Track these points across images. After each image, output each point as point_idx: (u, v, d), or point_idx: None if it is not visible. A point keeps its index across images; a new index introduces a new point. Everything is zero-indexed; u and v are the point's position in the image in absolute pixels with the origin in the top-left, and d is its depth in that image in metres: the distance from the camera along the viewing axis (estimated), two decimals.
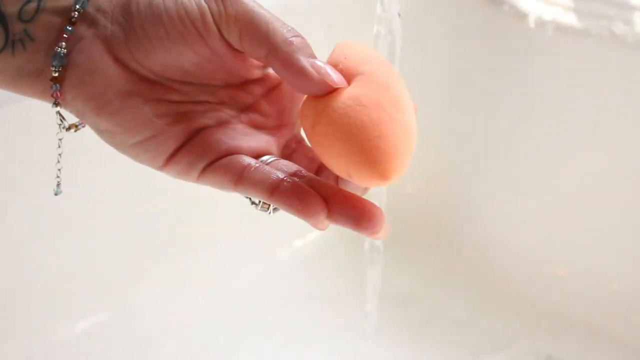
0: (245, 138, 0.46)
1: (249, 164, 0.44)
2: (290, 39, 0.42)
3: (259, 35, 0.43)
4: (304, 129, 0.44)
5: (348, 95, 0.42)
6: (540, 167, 0.94)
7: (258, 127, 0.47)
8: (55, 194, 0.49)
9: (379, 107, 0.41)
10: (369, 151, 0.40)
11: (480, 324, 0.93)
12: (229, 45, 0.44)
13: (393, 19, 0.73)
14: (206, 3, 0.43)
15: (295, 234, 1.00)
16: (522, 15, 0.88)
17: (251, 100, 0.47)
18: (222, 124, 0.46)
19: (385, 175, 0.40)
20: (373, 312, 0.88)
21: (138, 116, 0.44)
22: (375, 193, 0.84)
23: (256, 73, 0.47)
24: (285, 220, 1.02)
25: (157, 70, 0.44)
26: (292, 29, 0.43)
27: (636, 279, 0.90)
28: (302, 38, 0.43)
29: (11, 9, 0.43)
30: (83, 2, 0.44)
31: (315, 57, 0.42)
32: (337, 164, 0.42)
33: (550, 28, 0.87)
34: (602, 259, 0.92)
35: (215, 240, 0.94)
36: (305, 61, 0.42)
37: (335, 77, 0.42)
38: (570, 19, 0.86)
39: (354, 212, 0.42)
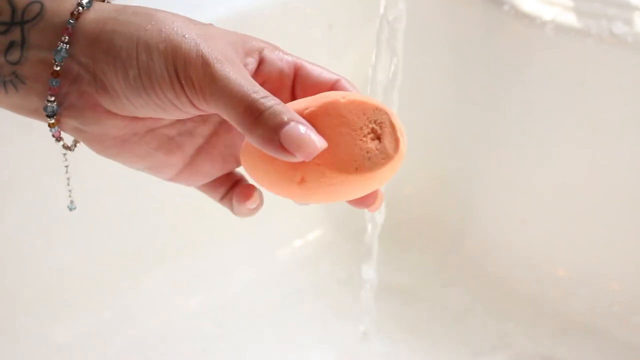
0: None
1: (240, 179, 0.48)
2: (261, 117, 0.40)
3: (232, 118, 0.41)
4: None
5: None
6: (540, 167, 0.94)
7: None
8: (70, 210, 0.50)
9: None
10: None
11: (480, 323, 0.93)
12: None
13: (395, 19, 0.73)
14: (179, 81, 0.41)
15: (295, 234, 1.00)
16: (522, 15, 0.88)
17: None
18: (218, 132, 0.47)
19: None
20: (372, 311, 0.88)
21: (136, 152, 0.45)
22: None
23: None
24: (285, 220, 1.02)
25: (143, 117, 0.45)
26: (263, 97, 0.40)
27: (636, 279, 0.90)
28: (274, 105, 0.40)
29: None
30: (62, 55, 0.42)
31: (286, 123, 0.40)
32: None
33: (550, 28, 0.87)
34: (602, 259, 0.92)
35: (215, 240, 0.94)
36: (276, 142, 0.40)
37: (312, 146, 0.40)
38: (570, 19, 0.86)
39: None
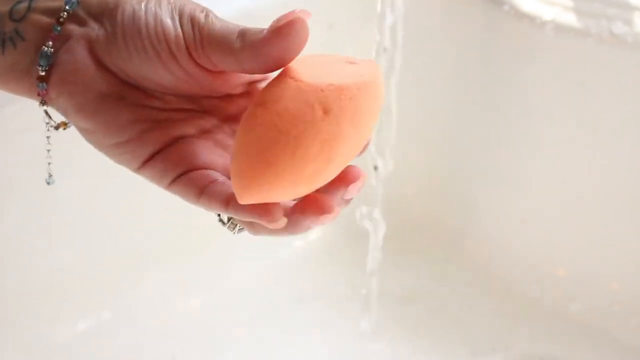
0: (223, 154, 0.46)
1: (216, 180, 0.44)
2: (239, 32, 0.42)
3: (221, 54, 0.42)
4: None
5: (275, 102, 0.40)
6: (540, 167, 0.94)
7: None
8: (48, 184, 0.50)
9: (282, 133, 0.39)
10: (247, 167, 0.39)
11: (480, 323, 0.93)
12: (203, 68, 0.44)
13: (395, 20, 0.73)
14: (181, 26, 0.43)
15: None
16: (522, 15, 0.88)
17: (236, 110, 0.47)
18: (204, 132, 0.46)
19: (239, 196, 0.40)
20: (373, 311, 0.88)
21: (117, 119, 0.44)
22: (374, 193, 0.84)
23: (239, 89, 0.46)
24: None
25: (136, 78, 0.44)
26: (243, 27, 0.43)
27: (636, 279, 0.90)
28: (248, 28, 0.42)
29: (2, 7, 0.44)
30: (73, 3, 0.44)
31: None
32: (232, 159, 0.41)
33: (550, 28, 0.87)
34: (602, 259, 0.92)
35: (215, 240, 0.94)
36: (261, 34, 0.41)
37: (289, 13, 0.41)
38: (570, 19, 0.86)
39: (299, 207, 0.42)
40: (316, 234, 1.01)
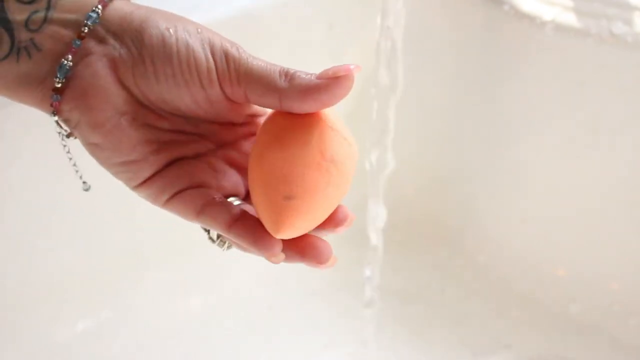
0: (217, 175, 0.47)
1: (214, 198, 0.45)
2: (282, 72, 0.44)
3: (263, 90, 0.44)
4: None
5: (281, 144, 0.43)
6: (540, 167, 0.94)
7: (232, 164, 0.48)
8: (86, 190, 0.51)
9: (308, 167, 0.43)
10: (274, 205, 0.43)
11: (480, 323, 0.93)
12: (227, 98, 0.45)
13: (395, 20, 0.73)
14: (213, 59, 0.44)
15: None
16: (522, 15, 0.88)
17: (232, 138, 0.48)
18: (199, 155, 0.47)
19: (275, 232, 0.43)
20: (373, 311, 0.88)
21: (129, 139, 0.45)
22: (374, 193, 0.84)
23: (242, 118, 0.48)
24: None
25: (154, 100, 0.45)
26: (284, 68, 0.44)
27: (636, 279, 0.90)
28: (295, 70, 0.44)
29: (18, 16, 0.44)
30: (94, 19, 0.44)
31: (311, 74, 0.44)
32: (253, 195, 0.44)
33: (550, 28, 0.87)
34: (602, 259, 0.92)
35: None
36: (313, 80, 0.43)
37: (346, 67, 0.43)
38: (570, 19, 0.86)
39: (300, 246, 0.45)
40: None
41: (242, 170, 0.48)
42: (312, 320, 0.94)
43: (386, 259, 0.86)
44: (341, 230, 0.46)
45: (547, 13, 0.87)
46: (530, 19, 0.88)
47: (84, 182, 0.50)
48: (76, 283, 0.84)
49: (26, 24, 0.44)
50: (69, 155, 0.49)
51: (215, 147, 0.48)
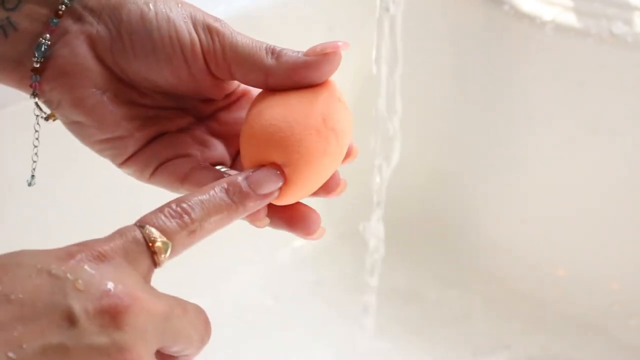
0: (200, 147, 0.46)
1: (197, 165, 0.45)
2: (269, 49, 0.43)
3: (249, 66, 0.43)
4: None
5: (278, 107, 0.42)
6: (540, 167, 0.94)
7: (215, 134, 0.47)
8: (29, 185, 0.50)
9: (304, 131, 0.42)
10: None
11: (480, 323, 0.93)
12: (211, 74, 0.44)
13: (394, 19, 0.73)
14: (197, 34, 0.43)
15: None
16: (522, 15, 0.88)
17: (210, 112, 0.48)
18: (181, 129, 0.47)
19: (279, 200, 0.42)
20: (373, 311, 0.88)
21: (112, 115, 0.44)
22: (373, 193, 0.84)
23: (222, 94, 0.47)
24: None
25: (135, 78, 0.44)
26: (270, 45, 0.44)
27: (636, 279, 0.90)
28: (281, 48, 0.44)
29: None
30: None
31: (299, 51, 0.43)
32: (244, 156, 0.43)
33: (550, 28, 0.87)
34: (602, 259, 0.92)
35: (215, 240, 0.93)
36: (301, 57, 0.43)
37: (333, 44, 0.43)
38: (570, 19, 0.86)
39: (288, 214, 0.43)
40: None
41: (227, 139, 0.47)
42: (312, 320, 0.94)
43: (386, 259, 0.86)
44: (333, 196, 0.45)
45: (547, 13, 0.87)
46: (530, 19, 0.88)
47: (32, 176, 0.50)
48: None
49: (2, 2, 0.43)
50: (36, 142, 0.48)
51: (196, 121, 0.47)
